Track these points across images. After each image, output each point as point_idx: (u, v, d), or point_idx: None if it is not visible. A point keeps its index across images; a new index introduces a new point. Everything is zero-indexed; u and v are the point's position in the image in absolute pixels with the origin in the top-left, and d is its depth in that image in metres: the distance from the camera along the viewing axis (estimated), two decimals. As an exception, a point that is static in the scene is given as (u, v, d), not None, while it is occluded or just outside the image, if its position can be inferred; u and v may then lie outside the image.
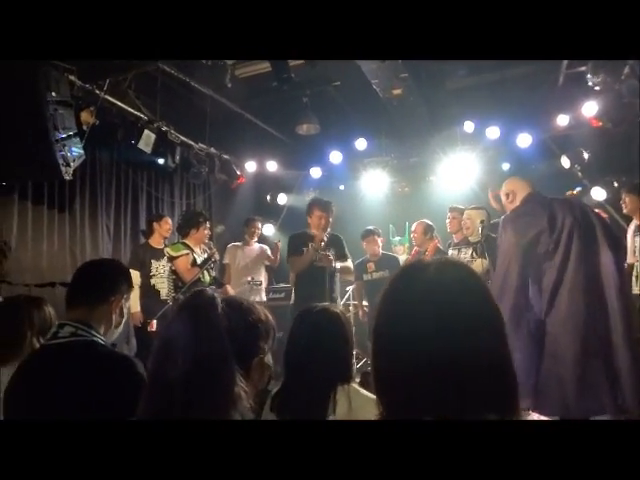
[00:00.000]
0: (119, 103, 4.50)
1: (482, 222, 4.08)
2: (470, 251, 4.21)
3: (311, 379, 1.44)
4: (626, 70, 3.88)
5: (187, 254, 3.99)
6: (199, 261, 3.98)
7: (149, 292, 4.34)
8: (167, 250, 4.17)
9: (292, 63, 4.34)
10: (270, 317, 1.09)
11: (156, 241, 4.59)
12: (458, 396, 0.70)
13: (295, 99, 5.52)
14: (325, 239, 3.97)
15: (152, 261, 4.43)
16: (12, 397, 1.37)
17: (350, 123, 6.10)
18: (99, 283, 1.51)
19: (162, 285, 4.38)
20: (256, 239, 5.37)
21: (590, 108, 4.64)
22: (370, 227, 5.04)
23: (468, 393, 0.70)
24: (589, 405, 2.17)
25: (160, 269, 4.41)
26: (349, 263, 4.25)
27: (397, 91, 5.13)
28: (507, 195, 2.79)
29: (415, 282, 0.78)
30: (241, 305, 1.06)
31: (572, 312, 2.25)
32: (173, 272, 4.06)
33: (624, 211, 3.45)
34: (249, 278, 5.02)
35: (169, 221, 4.71)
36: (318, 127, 5.78)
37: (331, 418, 1.41)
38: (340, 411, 1.42)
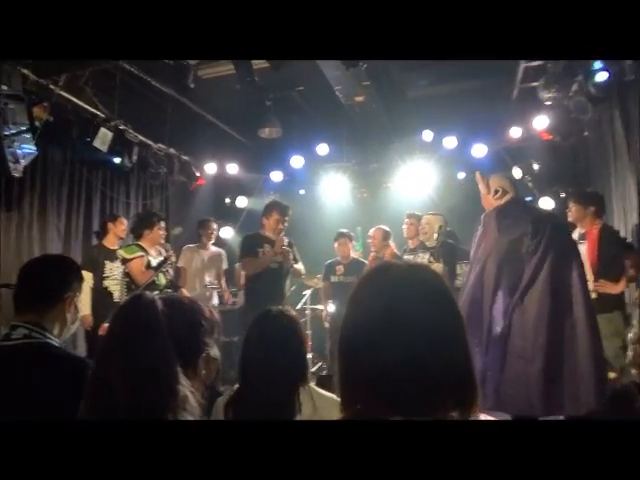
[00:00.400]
0: (75, 99, 4.34)
1: (440, 227, 4.21)
2: (427, 256, 4.29)
3: (274, 381, 1.45)
4: (574, 87, 4.11)
5: (141, 256, 3.86)
6: (154, 263, 3.87)
7: (101, 294, 4.20)
8: (120, 252, 4.02)
9: (256, 66, 4.33)
10: (214, 313, 1.12)
11: (110, 242, 4.46)
12: (421, 395, 0.72)
13: (258, 102, 5.50)
14: (285, 243, 3.97)
15: (106, 262, 4.31)
16: None
17: (312, 128, 6.14)
18: (50, 283, 1.45)
19: (115, 287, 4.25)
20: (213, 241, 5.24)
21: (541, 122, 4.87)
22: (343, 230, 5.09)
23: (431, 392, 0.72)
24: (552, 405, 2.26)
25: (114, 271, 4.29)
26: (301, 266, 4.30)
27: (359, 98, 5.22)
28: (496, 191, 2.74)
29: (381, 284, 0.81)
30: (182, 304, 1.09)
31: (540, 314, 2.33)
32: (126, 274, 3.92)
33: (569, 219, 3.67)
34: (206, 281, 4.94)
35: (124, 222, 4.58)
36: (280, 131, 5.78)
37: (297, 418, 1.42)
38: (306, 412, 1.44)
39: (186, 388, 0.94)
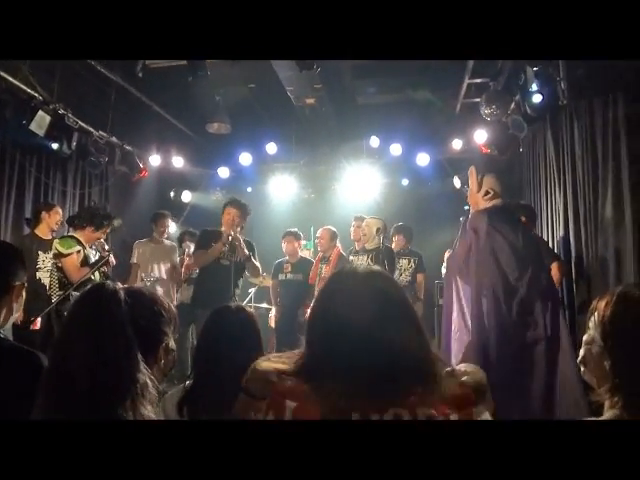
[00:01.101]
0: (10, 78, 4.07)
1: (378, 230, 4.34)
2: (366, 258, 4.40)
3: (233, 376, 1.46)
4: (512, 106, 4.39)
5: (78, 251, 3.66)
6: (91, 260, 3.71)
7: (34, 286, 3.97)
8: (55, 245, 3.79)
9: (209, 60, 4.27)
10: (172, 306, 1.17)
11: (43, 232, 4.23)
12: (382, 384, 0.83)
13: (208, 96, 5.42)
14: (232, 234, 3.96)
15: (39, 252, 4.10)
16: None
17: (262, 126, 6.14)
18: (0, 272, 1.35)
19: (47, 279, 4.04)
20: (165, 236, 5.16)
21: (481, 136, 5.16)
22: (290, 229, 5.11)
23: (389, 373, 0.84)
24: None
25: (47, 262, 4.07)
26: (258, 264, 4.29)
27: (310, 100, 5.28)
28: (487, 192, 2.66)
29: (346, 287, 0.93)
30: (143, 295, 1.12)
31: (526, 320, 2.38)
32: (59, 269, 3.71)
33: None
34: (142, 274, 4.82)
35: (60, 212, 4.37)
36: (229, 127, 5.74)
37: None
38: None
39: (146, 376, 0.97)
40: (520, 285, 2.42)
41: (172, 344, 1.13)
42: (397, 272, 4.85)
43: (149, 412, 0.97)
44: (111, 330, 0.95)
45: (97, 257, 3.75)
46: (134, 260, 4.93)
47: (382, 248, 4.32)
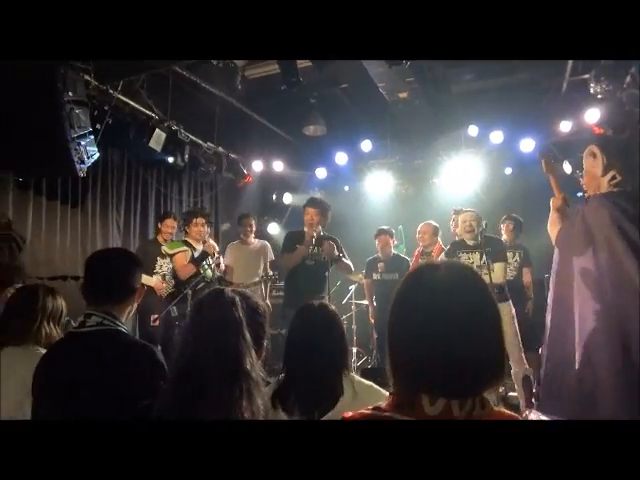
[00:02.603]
0: (131, 102, 4.61)
1: (478, 225, 4.05)
2: (477, 256, 4.09)
3: (316, 368, 1.55)
4: (628, 79, 3.97)
5: (184, 251, 4.11)
6: (202, 256, 4.09)
7: (149, 288, 4.44)
8: (163, 248, 4.35)
9: (300, 65, 4.44)
10: (267, 308, 1.29)
11: (161, 239, 4.67)
12: (462, 376, 0.84)
13: (302, 100, 5.62)
14: (314, 235, 4.01)
15: (157, 258, 4.53)
16: (42, 380, 1.47)
17: (356, 125, 6.20)
18: (122, 280, 1.56)
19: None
20: (252, 236, 5.34)
21: (592, 115, 4.73)
22: (383, 227, 5.07)
23: (470, 374, 0.84)
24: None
25: (163, 267, 4.51)
26: (348, 261, 4.29)
27: (403, 94, 5.24)
28: (614, 176, 2.39)
29: (426, 282, 0.92)
30: (249, 298, 1.27)
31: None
32: (173, 269, 4.20)
33: None
34: (257, 278, 5.02)
35: (170, 223, 4.70)
36: (324, 128, 5.88)
37: (339, 402, 1.52)
38: (347, 395, 1.54)
39: (258, 373, 1.12)
40: None
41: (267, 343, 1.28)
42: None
43: (260, 405, 1.10)
44: (235, 332, 1.10)
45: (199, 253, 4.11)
46: (226, 262, 5.12)
47: (486, 241, 4.00)
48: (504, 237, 4.85)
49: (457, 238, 4.64)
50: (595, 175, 2.45)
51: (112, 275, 1.56)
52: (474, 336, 0.85)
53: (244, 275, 5.09)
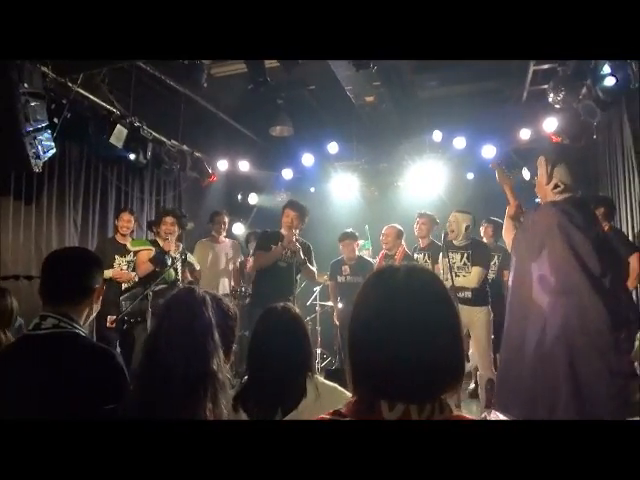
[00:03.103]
0: (91, 97, 4.45)
1: (467, 228, 4.11)
2: (458, 256, 4.13)
3: (280, 372, 1.54)
4: (584, 91, 4.13)
5: (149, 249, 4.07)
6: (169, 262, 4.02)
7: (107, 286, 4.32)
8: (127, 244, 4.34)
9: (268, 65, 4.41)
10: (236, 310, 1.30)
11: (119, 237, 4.56)
12: (421, 380, 0.83)
13: (269, 101, 5.59)
14: (294, 239, 4.02)
15: (115, 256, 4.41)
16: None
17: (323, 127, 6.22)
18: (81, 277, 1.50)
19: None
20: (224, 234, 5.31)
21: (550, 124, 4.90)
22: (347, 230, 5.05)
23: (429, 378, 0.84)
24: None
25: (123, 264, 4.40)
26: (314, 269, 4.31)
27: (370, 98, 5.28)
28: (556, 185, 2.52)
29: (387, 285, 0.91)
30: (220, 300, 1.26)
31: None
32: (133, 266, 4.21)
33: None
34: (225, 277, 4.96)
35: (125, 217, 4.59)
36: (291, 129, 5.87)
37: (302, 404, 1.51)
38: (309, 397, 1.54)
39: (224, 374, 1.11)
40: (605, 281, 2.30)
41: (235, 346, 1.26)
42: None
43: (224, 406, 1.08)
44: (204, 331, 1.08)
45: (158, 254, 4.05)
46: (195, 259, 5.14)
47: (472, 243, 4.11)
48: (484, 240, 4.93)
49: (419, 241, 4.72)
50: (541, 183, 2.60)
51: (69, 275, 1.50)
52: (432, 340, 0.84)
53: (212, 273, 5.04)
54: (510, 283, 2.66)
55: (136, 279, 4.19)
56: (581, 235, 2.37)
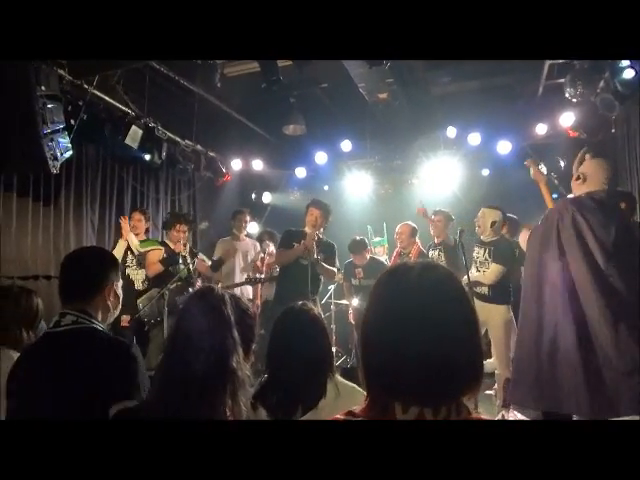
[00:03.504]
0: (107, 98, 4.50)
1: (494, 223, 4.08)
2: (483, 252, 4.13)
3: (300, 371, 1.54)
4: (601, 84, 4.06)
5: (158, 249, 4.19)
6: (179, 263, 4.11)
7: (124, 282, 4.39)
8: (136, 246, 4.42)
9: (281, 64, 4.42)
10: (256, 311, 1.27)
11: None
12: (436, 381, 0.80)
13: (282, 100, 5.58)
14: (316, 237, 4.01)
15: (128, 252, 4.48)
16: (17, 381, 1.44)
17: (336, 125, 6.20)
18: (90, 278, 1.57)
19: (136, 277, 4.47)
20: (245, 232, 5.35)
21: (567, 119, 4.83)
22: (358, 238, 4.99)
23: (445, 379, 0.80)
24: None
25: (134, 262, 4.49)
26: (333, 268, 4.27)
27: (383, 95, 5.25)
28: (578, 177, 2.50)
29: (400, 283, 0.88)
30: (239, 299, 1.26)
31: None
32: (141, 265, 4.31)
33: None
34: (245, 276, 5.00)
35: (136, 216, 4.68)
36: (304, 128, 5.86)
37: (321, 404, 1.51)
38: (329, 396, 1.54)
39: (244, 372, 1.12)
40: (615, 277, 2.26)
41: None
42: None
43: (243, 404, 1.09)
44: (223, 329, 1.09)
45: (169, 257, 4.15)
46: (217, 257, 5.19)
47: (498, 240, 4.07)
48: None
49: (435, 239, 4.70)
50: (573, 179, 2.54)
51: (82, 272, 1.58)
52: (446, 340, 0.81)
53: (233, 271, 5.09)
54: (523, 279, 2.64)
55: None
56: (588, 230, 2.33)
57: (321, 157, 6.35)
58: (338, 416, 0.85)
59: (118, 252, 4.37)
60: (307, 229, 4.12)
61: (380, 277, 0.92)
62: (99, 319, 1.54)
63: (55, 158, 3.58)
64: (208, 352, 1.04)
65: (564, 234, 2.41)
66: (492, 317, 3.87)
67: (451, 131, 5.73)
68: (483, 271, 4.03)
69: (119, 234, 5.17)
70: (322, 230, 4.15)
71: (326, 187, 6.84)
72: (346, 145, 6.21)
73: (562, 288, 2.38)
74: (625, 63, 3.53)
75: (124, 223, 4.55)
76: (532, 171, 2.91)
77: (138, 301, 4.07)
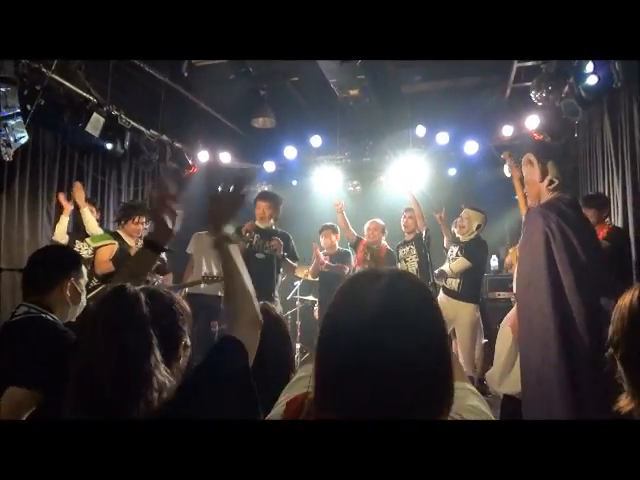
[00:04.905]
0: (67, 84, 4.29)
1: (479, 227, 4.22)
2: (456, 249, 4.27)
3: (260, 372, 1.49)
4: (566, 89, 4.15)
5: (111, 244, 3.76)
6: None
7: None
8: (87, 240, 4.04)
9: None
10: (187, 305, 1.21)
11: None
12: (392, 397, 0.72)
13: (252, 92, 5.49)
14: (250, 227, 3.99)
15: (76, 241, 4.23)
16: None
17: (306, 119, 6.15)
18: (47, 274, 1.68)
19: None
20: None
21: (532, 121, 4.92)
22: (328, 223, 5.08)
23: (403, 395, 0.72)
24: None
25: (82, 251, 4.13)
26: (294, 264, 4.24)
27: (354, 91, 5.23)
28: (551, 181, 2.44)
29: (364, 294, 0.79)
30: (162, 296, 1.16)
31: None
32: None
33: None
34: (203, 272, 4.85)
35: (76, 196, 4.30)
36: (274, 121, 5.78)
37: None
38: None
39: (165, 377, 1.02)
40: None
41: (188, 341, 1.18)
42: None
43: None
44: (134, 330, 1.00)
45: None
46: (190, 251, 5.06)
47: (473, 240, 4.19)
48: None
49: (406, 236, 4.73)
50: (534, 182, 2.50)
51: (39, 268, 1.70)
52: (414, 364, 0.72)
53: (207, 265, 4.98)
54: (515, 292, 2.62)
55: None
56: (574, 237, 2.30)
57: (290, 152, 6.28)
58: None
59: (60, 231, 4.09)
60: (257, 222, 4.06)
61: (344, 283, 0.83)
62: (57, 312, 1.64)
63: (8, 144, 3.40)
64: (118, 354, 0.97)
65: (553, 244, 2.35)
66: (460, 316, 3.92)
67: (420, 130, 5.77)
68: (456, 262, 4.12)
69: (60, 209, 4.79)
70: (272, 222, 4.11)
71: (295, 182, 6.79)
72: (316, 140, 6.16)
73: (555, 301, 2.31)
74: (589, 69, 3.61)
75: (67, 198, 4.23)
76: (508, 165, 2.92)
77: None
